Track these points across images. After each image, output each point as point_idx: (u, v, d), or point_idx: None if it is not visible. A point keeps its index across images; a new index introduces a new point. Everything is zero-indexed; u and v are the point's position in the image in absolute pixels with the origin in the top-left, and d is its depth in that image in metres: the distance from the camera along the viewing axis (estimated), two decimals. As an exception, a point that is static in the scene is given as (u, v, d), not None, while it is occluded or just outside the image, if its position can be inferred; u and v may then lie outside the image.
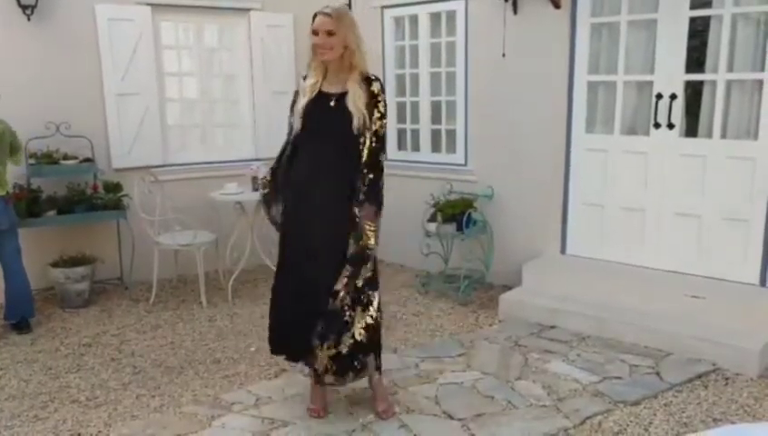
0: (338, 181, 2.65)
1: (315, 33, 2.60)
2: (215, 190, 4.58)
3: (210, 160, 5.15)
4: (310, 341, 2.69)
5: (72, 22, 4.50)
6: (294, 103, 2.77)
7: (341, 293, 2.65)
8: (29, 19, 4.31)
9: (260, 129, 5.28)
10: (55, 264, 4.33)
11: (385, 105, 2.66)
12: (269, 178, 2.86)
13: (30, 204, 4.23)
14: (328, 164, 2.65)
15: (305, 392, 2.98)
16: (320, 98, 2.66)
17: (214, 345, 3.72)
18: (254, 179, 4.53)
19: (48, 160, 4.33)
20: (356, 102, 2.60)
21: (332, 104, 2.64)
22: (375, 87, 2.64)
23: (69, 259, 4.36)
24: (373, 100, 2.62)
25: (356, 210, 2.61)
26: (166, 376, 3.32)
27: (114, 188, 4.50)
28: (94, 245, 4.57)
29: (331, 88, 2.66)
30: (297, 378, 3.12)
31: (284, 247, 2.80)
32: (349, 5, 5.07)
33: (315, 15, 2.62)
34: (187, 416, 2.90)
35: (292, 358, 2.85)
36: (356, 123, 2.60)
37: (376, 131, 2.62)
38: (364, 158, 2.60)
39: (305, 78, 2.74)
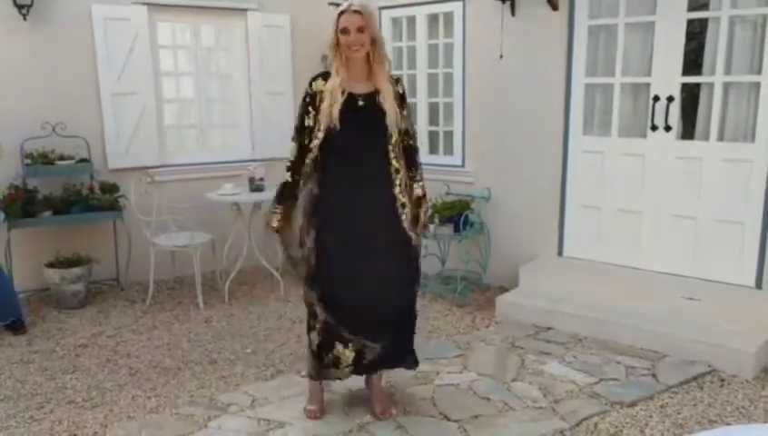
0: (383, 180, 2.68)
1: (345, 31, 2.55)
2: (212, 191, 4.56)
3: (206, 160, 5.14)
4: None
5: (68, 22, 4.48)
6: (308, 106, 2.63)
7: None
8: (25, 19, 4.29)
9: (256, 129, 5.27)
10: (51, 265, 4.31)
11: (408, 108, 2.78)
12: (278, 209, 2.72)
13: (26, 205, 4.21)
14: (372, 167, 2.64)
15: (301, 393, 2.97)
16: (349, 100, 2.61)
17: (211, 346, 3.71)
18: (251, 180, 4.53)
19: (44, 160, 4.31)
20: (391, 100, 2.62)
21: (360, 103, 2.61)
22: (400, 88, 2.71)
23: (65, 260, 4.34)
24: (400, 100, 2.69)
25: (418, 189, 2.75)
26: (162, 377, 3.31)
27: (111, 189, 4.48)
28: (91, 246, 4.55)
29: (357, 88, 2.63)
30: (293, 379, 3.12)
31: (331, 262, 2.64)
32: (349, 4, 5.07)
33: (341, 14, 2.58)
34: (183, 417, 2.89)
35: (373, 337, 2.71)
36: (389, 120, 2.61)
37: (407, 130, 2.72)
38: (406, 157, 2.71)
39: (315, 79, 2.65)
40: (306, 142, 2.65)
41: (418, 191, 2.75)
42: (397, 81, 2.72)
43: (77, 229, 4.51)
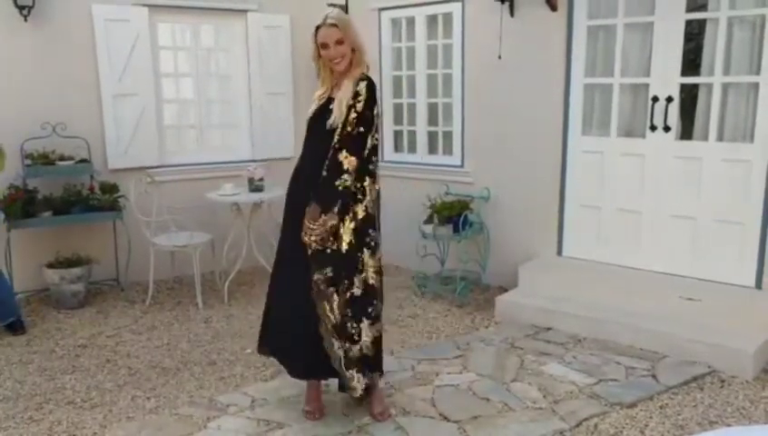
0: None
1: (324, 46, 2.57)
2: (212, 191, 4.56)
3: (206, 161, 5.14)
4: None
5: (69, 23, 4.49)
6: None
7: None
8: (26, 20, 4.30)
9: (256, 130, 5.27)
10: (51, 265, 4.32)
11: (366, 106, 2.52)
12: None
13: (26, 205, 4.21)
14: (311, 168, 2.62)
15: (301, 394, 2.97)
16: (327, 104, 2.63)
17: (210, 347, 3.71)
18: (251, 180, 4.53)
19: (44, 161, 4.32)
20: (341, 100, 2.56)
21: (331, 107, 2.62)
22: (360, 86, 2.54)
23: (65, 260, 4.35)
24: (354, 99, 2.53)
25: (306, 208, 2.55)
26: (162, 377, 3.31)
27: (111, 189, 4.48)
28: (90, 246, 4.55)
29: (335, 93, 2.65)
30: (292, 380, 3.11)
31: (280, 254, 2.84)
32: (346, 7, 5.08)
33: (318, 28, 2.58)
34: (182, 418, 2.89)
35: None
36: (330, 120, 2.56)
37: (345, 130, 2.52)
38: (328, 156, 2.52)
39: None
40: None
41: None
42: (360, 79, 2.56)
43: (77, 229, 4.52)
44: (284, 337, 2.75)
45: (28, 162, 4.31)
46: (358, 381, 2.68)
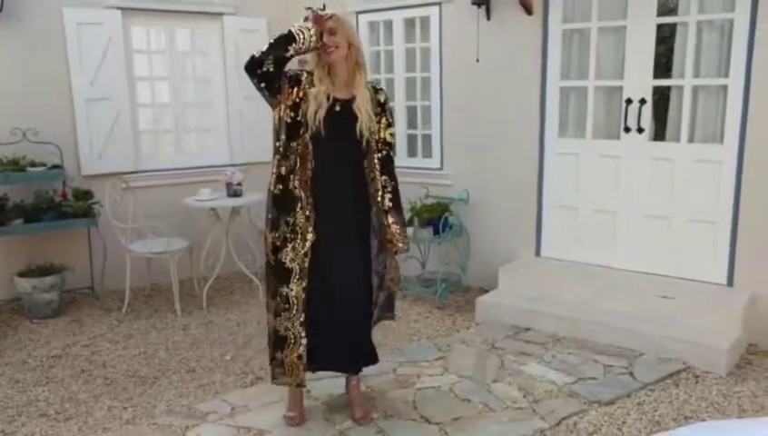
0: (357, 186, 2.69)
1: (318, 36, 2.57)
2: (189, 196, 4.51)
3: (183, 166, 5.07)
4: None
5: (39, 26, 4.40)
6: (293, 104, 2.58)
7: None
8: (-6, 23, 4.20)
9: (234, 134, 5.23)
10: (23, 274, 4.22)
11: (392, 115, 2.79)
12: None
13: (-5, 213, 4.11)
14: (348, 172, 2.66)
15: (282, 400, 2.95)
16: (333, 104, 2.61)
17: (189, 354, 3.66)
18: (228, 185, 4.49)
19: (14, 167, 4.21)
20: (365, 105, 2.61)
21: (338, 109, 2.60)
22: (381, 96, 2.72)
23: (37, 268, 4.25)
24: (379, 108, 2.70)
25: (388, 218, 2.73)
26: (139, 387, 3.26)
27: (84, 195, 4.40)
28: (64, 254, 4.46)
29: (338, 94, 2.63)
30: (273, 386, 3.08)
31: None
32: (324, 9, 5.07)
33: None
34: (161, 427, 2.85)
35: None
36: (360, 126, 2.60)
37: (385, 139, 2.71)
38: (381, 166, 2.70)
39: (300, 74, 2.62)
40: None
41: (387, 202, 2.74)
42: (379, 89, 2.75)
43: (50, 237, 4.42)
44: (336, 341, 2.75)
45: (-2, 168, 4.21)
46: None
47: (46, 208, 4.30)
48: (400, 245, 2.76)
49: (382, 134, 2.70)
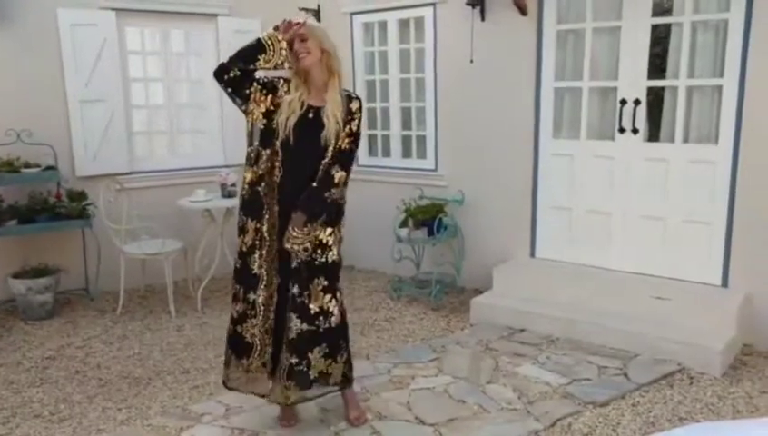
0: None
1: (289, 44, 2.58)
2: (183, 197, 4.50)
3: (177, 167, 5.06)
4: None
5: (33, 27, 4.38)
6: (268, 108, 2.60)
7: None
8: (-12, 24, 4.19)
9: (228, 135, 5.21)
10: (17, 275, 4.21)
11: (359, 126, 2.64)
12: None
13: (-11, 214, 4.10)
14: (310, 179, 2.59)
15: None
16: (306, 111, 2.60)
17: (183, 355, 3.65)
18: (223, 186, 4.48)
19: (8, 168, 4.20)
20: (334, 112, 2.57)
21: (311, 116, 2.60)
22: (354, 105, 2.64)
23: (31, 269, 4.24)
24: (349, 117, 2.62)
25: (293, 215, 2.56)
26: (133, 388, 3.25)
27: (79, 197, 4.39)
28: (58, 255, 4.45)
29: (312, 101, 2.62)
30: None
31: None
32: (318, 10, 5.07)
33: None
34: (155, 428, 2.84)
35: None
36: (325, 133, 2.57)
37: (340, 147, 2.60)
38: (320, 169, 2.57)
39: (277, 81, 2.63)
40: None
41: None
42: (354, 98, 2.67)
43: (44, 238, 4.41)
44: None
45: (-8, 169, 4.19)
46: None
47: (41, 209, 4.29)
48: (286, 246, 2.55)
49: (340, 142, 2.59)
